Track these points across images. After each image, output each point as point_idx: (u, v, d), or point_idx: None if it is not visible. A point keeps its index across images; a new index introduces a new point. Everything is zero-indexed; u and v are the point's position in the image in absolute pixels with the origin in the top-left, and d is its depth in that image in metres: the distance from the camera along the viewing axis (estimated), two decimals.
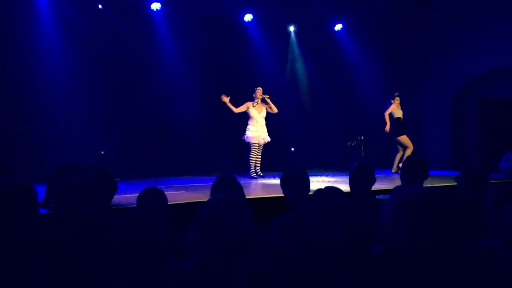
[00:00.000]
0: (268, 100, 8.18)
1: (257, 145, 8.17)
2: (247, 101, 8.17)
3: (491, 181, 3.63)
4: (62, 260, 2.28)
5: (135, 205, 3.04)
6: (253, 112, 8.11)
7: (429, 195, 1.13)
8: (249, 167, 8.19)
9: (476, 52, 9.43)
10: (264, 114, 8.19)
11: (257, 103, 8.15)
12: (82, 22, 8.63)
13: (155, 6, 9.01)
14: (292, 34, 10.78)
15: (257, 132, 8.13)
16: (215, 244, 1.76)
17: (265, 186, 7.07)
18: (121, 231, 2.82)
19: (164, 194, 3.05)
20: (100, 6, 8.76)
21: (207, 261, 1.80)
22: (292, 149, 10.77)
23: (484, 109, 9.97)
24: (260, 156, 8.26)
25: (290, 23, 10.60)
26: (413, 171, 3.59)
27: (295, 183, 3.03)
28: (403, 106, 8.65)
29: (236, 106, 8.12)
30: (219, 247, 1.76)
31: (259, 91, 8.16)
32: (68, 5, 8.43)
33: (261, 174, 8.23)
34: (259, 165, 8.25)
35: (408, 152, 8.40)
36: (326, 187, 2.11)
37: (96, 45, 8.77)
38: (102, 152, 8.56)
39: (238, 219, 1.79)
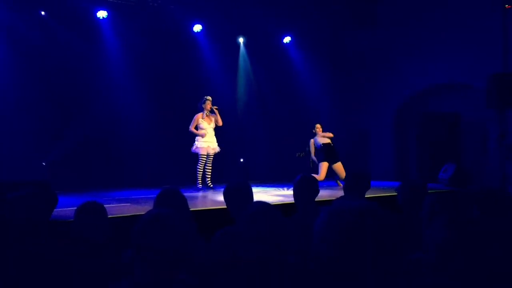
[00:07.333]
0: (216, 112, 8.12)
1: (205, 156, 8.07)
2: (195, 111, 8.10)
3: (429, 191, 3.76)
4: None
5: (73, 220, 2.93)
6: (203, 123, 8.03)
7: (355, 209, 1.14)
8: (196, 178, 8.08)
9: (417, 68, 9.85)
10: (213, 125, 8.11)
11: (207, 115, 8.08)
12: (24, 29, 8.28)
13: (102, 14, 8.79)
14: (242, 46, 10.83)
15: (206, 142, 8.04)
16: (149, 261, 1.71)
17: (212, 197, 7.02)
18: (59, 246, 2.71)
19: (104, 208, 2.96)
20: (43, 13, 8.45)
21: (142, 280, 1.74)
22: (241, 159, 10.75)
23: (425, 122, 10.40)
24: (210, 167, 8.16)
25: (239, 35, 10.66)
26: (355, 182, 3.68)
27: (236, 196, 3.02)
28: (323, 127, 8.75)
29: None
30: (154, 264, 1.71)
31: (208, 102, 8.08)
32: (7, 11, 8.07)
33: (211, 185, 8.12)
34: (209, 176, 8.15)
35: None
36: (255, 202, 2.11)
37: (38, 53, 8.42)
38: (44, 164, 8.22)
39: (174, 233, 1.75)
